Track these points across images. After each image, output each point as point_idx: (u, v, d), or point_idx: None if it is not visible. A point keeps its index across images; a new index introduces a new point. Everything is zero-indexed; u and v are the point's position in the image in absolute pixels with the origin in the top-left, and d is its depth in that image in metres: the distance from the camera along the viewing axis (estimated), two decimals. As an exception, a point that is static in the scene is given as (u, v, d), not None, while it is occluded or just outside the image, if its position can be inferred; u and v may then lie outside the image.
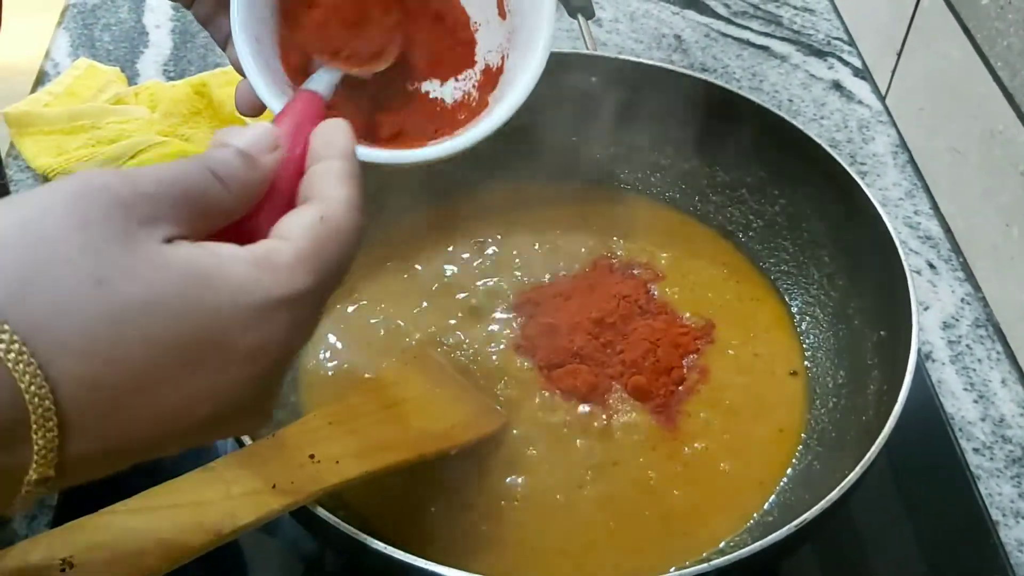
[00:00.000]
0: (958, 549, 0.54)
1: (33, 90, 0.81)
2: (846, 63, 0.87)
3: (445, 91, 0.44)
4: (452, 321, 0.58)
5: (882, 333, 0.52)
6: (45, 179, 0.73)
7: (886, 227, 0.51)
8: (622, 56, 0.63)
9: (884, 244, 0.51)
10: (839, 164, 0.55)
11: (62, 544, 0.32)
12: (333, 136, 0.33)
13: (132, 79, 0.83)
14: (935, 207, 0.74)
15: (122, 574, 0.32)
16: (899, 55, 0.80)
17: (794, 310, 0.60)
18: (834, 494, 0.40)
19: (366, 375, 0.53)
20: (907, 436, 0.56)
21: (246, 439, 0.42)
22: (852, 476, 0.41)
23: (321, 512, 0.40)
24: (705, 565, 0.38)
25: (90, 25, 0.89)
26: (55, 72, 0.83)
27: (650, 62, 0.62)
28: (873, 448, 0.42)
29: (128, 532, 0.34)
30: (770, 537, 0.39)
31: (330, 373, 0.56)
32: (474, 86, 0.43)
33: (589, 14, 0.68)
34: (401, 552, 0.39)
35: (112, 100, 0.78)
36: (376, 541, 0.39)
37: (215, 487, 0.37)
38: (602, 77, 0.63)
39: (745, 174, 0.63)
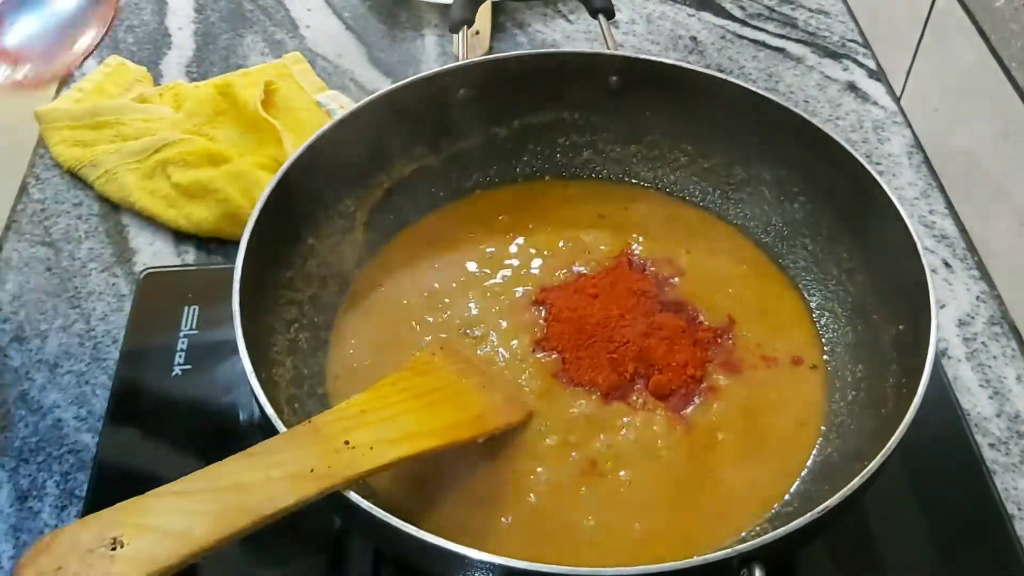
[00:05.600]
0: (973, 543, 0.55)
1: (58, 91, 0.82)
2: (861, 64, 0.87)
3: None
4: (476, 315, 0.59)
5: (900, 327, 0.53)
6: (71, 173, 0.75)
7: (904, 222, 0.52)
8: (642, 55, 0.64)
9: (903, 239, 0.52)
10: (858, 161, 0.56)
11: (112, 524, 0.33)
12: None
13: (156, 80, 0.84)
14: (950, 206, 0.75)
15: (170, 553, 0.33)
16: (914, 56, 0.80)
17: (813, 305, 0.61)
18: (854, 483, 0.41)
19: (394, 366, 0.54)
20: (923, 432, 0.57)
21: (281, 426, 0.43)
22: (872, 466, 0.42)
23: (355, 498, 0.41)
24: (729, 551, 0.39)
25: (114, 27, 0.90)
26: (79, 73, 0.85)
27: (670, 61, 0.63)
28: (893, 439, 0.43)
29: (175, 513, 0.35)
30: (791, 524, 0.40)
31: (357, 365, 0.57)
32: None
33: (610, 15, 0.69)
34: (432, 536, 0.40)
35: (137, 99, 0.80)
36: (408, 525, 0.40)
37: (255, 471, 0.38)
38: (622, 76, 0.64)
39: (764, 172, 0.64)
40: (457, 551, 0.40)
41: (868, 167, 0.55)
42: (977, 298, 0.68)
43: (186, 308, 0.65)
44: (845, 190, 0.58)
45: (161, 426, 0.59)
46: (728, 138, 0.64)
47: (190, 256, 0.70)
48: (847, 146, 0.57)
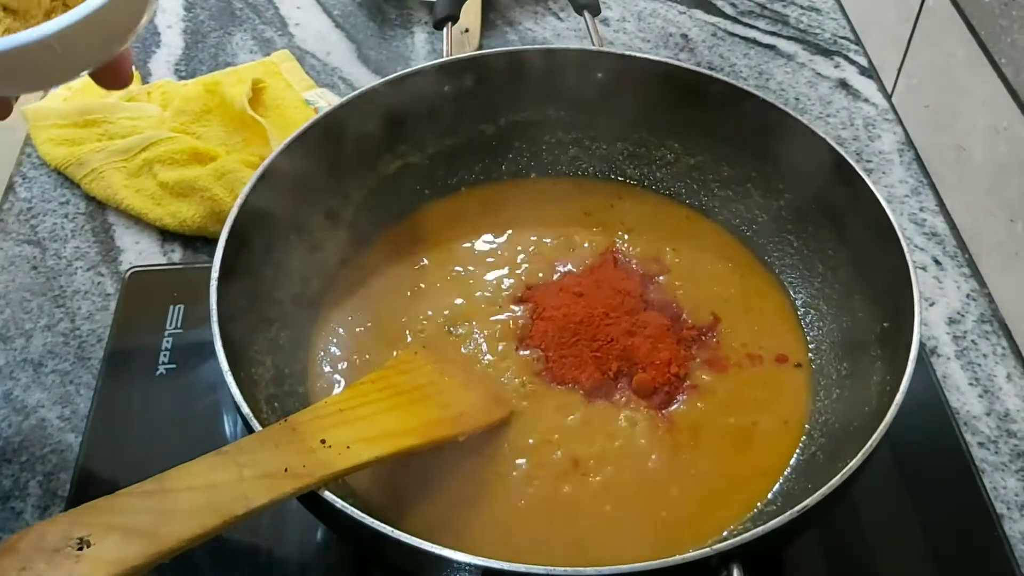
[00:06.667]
0: (963, 542, 0.54)
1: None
2: (852, 62, 0.87)
3: None
4: (460, 313, 0.59)
5: (885, 325, 0.52)
6: (58, 172, 0.75)
7: (889, 219, 0.52)
8: (628, 52, 0.64)
9: (887, 236, 0.52)
10: (843, 158, 0.55)
11: (78, 524, 0.33)
12: None
13: (144, 78, 0.84)
14: (941, 204, 0.74)
15: (137, 553, 0.33)
16: (905, 53, 0.80)
17: (798, 303, 0.60)
18: (835, 481, 0.41)
19: (376, 365, 0.54)
20: (912, 430, 0.57)
21: (256, 425, 0.43)
22: (853, 464, 0.41)
23: (330, 497, 0.41)
24: (707, 550, 0.39)
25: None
26: (69, 71, 0.84)
27: (656, 58, 0.63)
28: (874, 436, 0.42)
29: (144, 513, 0.34)
30: (769, 524, 0.40)
31: (338, 363, 0.57)
32: None
33: (595, 11, 0.68)
34: (409, 536, 0.39)
35: (124, 97, 0.79)
36: (384, 526, 0.40)
37: (229, 470, 0.37)
38: (608, 73, 0.64)
39: (751, 169, 0.63)
40: (436, 552, 0.39)
41: (853, 163, 0.55)
42: (967, 296, 0.68)
43: (171, 307, 0.65)
44: (831, 187, 0.57)
45: (145, 426, 0.59)
46: (714, 135, 0.64)
47: (176, 255, 0.70)
48: (832, 142, 0.56)
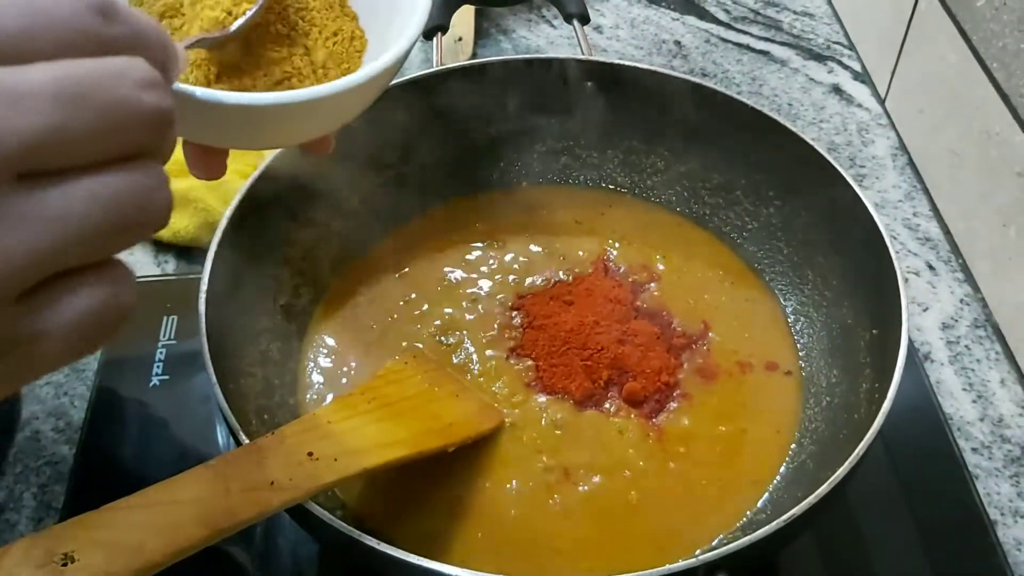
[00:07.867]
0: (957, 548, 0.54)
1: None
2: (846, 67, 0.87)
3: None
4: (451, 322, 0.59)
5: (874, 331, 0.52)
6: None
7: (876, 226, 0.52)
8: (617, 61, 0.64)
9: (875, 243, 0.52)
10: (831, 165, 0.55)
11: (63, 539, 0.33)
12: None
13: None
14: (934, 208, 0.74)
15: (123, 568, 0.33)
16: (898, 58, 0.80)
17: (788, 310, 0.60)
18: (821, 490, 0.41)
19: (367, 375, 0.54)
20: (906, 436, 0.57)
21: (244, 438, 0.43)
22: (840, 472, 0.41)
23: (318, 510, 0.41)
24: (693, 560, 0.39)
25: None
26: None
27: (644, 66, 0.63)
28: (861, 445, 0.42)
29: (129, 527, 0.34)
30: (755, 534, 0.39)
31: (329, 374, 0.57)
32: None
33: (584, 20, 0.68)
34: (396, 550, 0.40)
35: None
36: (372, 539, 0.40)
37: (215, 483, 0.37)
38: (597, 81, 0.64)
39: (740, 176, 0.63)
40: (424, 565, 0.39)
41: (842, 170, 0.55)
42: (961, 301, 0.68)
43: (165, 318, 0.65)
44: (820, 194, 0.57)
45: (139, 437, 0.59)
46: (704, 143, 0.64)
47: (169, 266, 0.70)
48: (820, 149, 0.56)
